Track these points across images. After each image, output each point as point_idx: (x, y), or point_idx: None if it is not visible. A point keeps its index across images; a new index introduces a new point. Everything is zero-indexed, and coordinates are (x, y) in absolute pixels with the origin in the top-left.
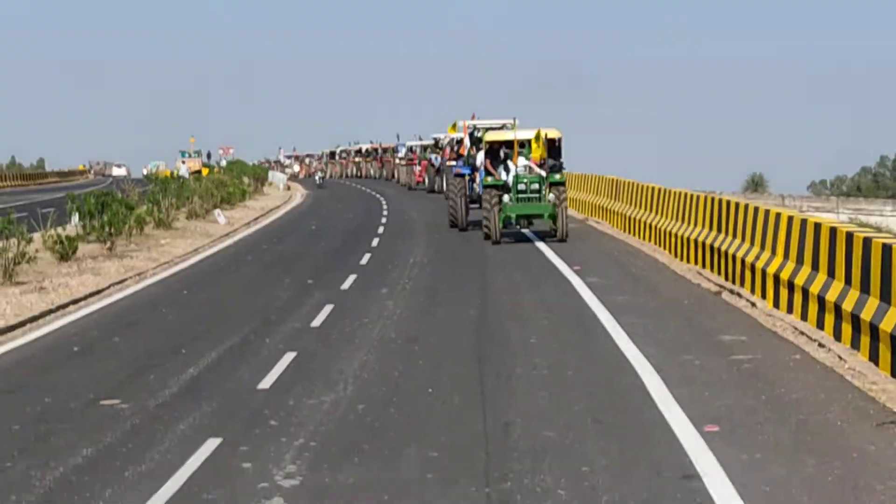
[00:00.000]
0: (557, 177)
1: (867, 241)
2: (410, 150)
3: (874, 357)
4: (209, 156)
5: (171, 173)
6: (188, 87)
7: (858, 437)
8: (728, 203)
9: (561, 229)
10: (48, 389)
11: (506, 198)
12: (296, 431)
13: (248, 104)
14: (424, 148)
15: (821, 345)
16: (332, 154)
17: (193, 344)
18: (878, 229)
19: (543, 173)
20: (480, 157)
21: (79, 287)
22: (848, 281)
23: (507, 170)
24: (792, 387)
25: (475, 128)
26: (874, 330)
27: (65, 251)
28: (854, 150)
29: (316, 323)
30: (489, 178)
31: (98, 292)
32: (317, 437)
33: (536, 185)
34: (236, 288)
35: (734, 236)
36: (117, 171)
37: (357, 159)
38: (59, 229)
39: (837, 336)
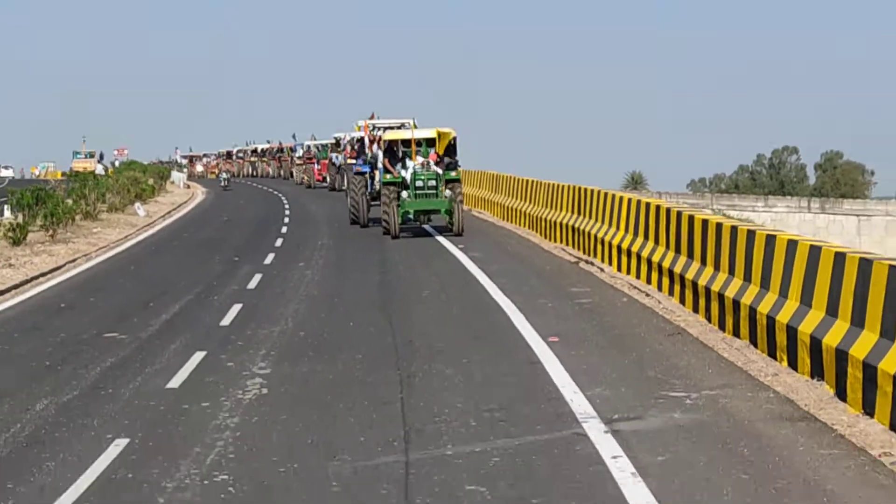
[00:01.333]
0: (453, 174)
1: (679, 214)
2: (307, 149)
3: (682, 299)
4: (102, 156)
5: (65, 173)
6: (76, 88)
7: (652, 341)
8: (585, 190)
9: (457, 224)
10: (59, 329)
11: (404, 194)
12: (258, 346)
13: (140, 105)
14: (325, 147)
15: (647, 294)
16: (229, 154)
17: (157, 300)
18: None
19: (440, 171)
20: (380, 156)
21: (41, 264)
22: (667, 245)
23: (405, 167)
24: (615, 316)
25: (374, 127)
26: (681, 279)
27: (16, 237)
28: (733, 150)
29: (251, 286)
30: (388, 176)
31: (58, 268)
32: (274, 349)
33: (433, 182)
34: (174, 263)
35: (590, 217)
36: (5, 172)
37: (253, 159)
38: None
39: (660, 287)
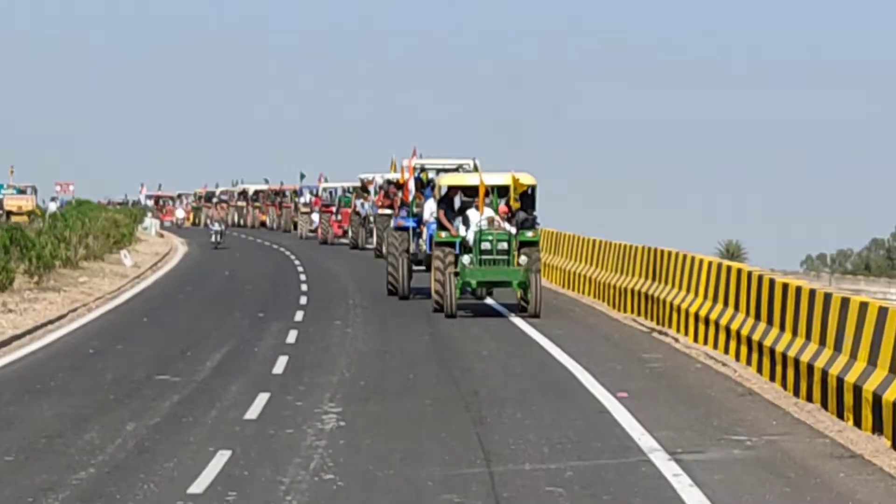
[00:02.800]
0: (530, 234)
1: (760, 278)
2: (323, 193)
3: (759, 367)
4: (35, 191)
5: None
6: None
7: (722, 399)
8: (660, 252)
9: (534, 301)
10: (104, 370)
11: (465, 259)
12: (322, 391)
13: (83, 127)
14: (347, 191)
15: (723, 364)
16: (210, 196)
17: (192, 350)
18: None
19: (513, 229)
20: (429, 207)
21: (44, 312)
22: (747, 311)
23: (466, 223)
24: (687, 378)
25: (422, 168)
26: (759, 346)
27: (1, 282)
28: (864, 219)
29: (290, 340)
30: (443, 234)
31: (62, 316)
32: (339, 393)
33: (505, 245)
34: (192, 317)
35: (664, 283)
36: None
37: (241, 203)
38: None
39: (738, 357)
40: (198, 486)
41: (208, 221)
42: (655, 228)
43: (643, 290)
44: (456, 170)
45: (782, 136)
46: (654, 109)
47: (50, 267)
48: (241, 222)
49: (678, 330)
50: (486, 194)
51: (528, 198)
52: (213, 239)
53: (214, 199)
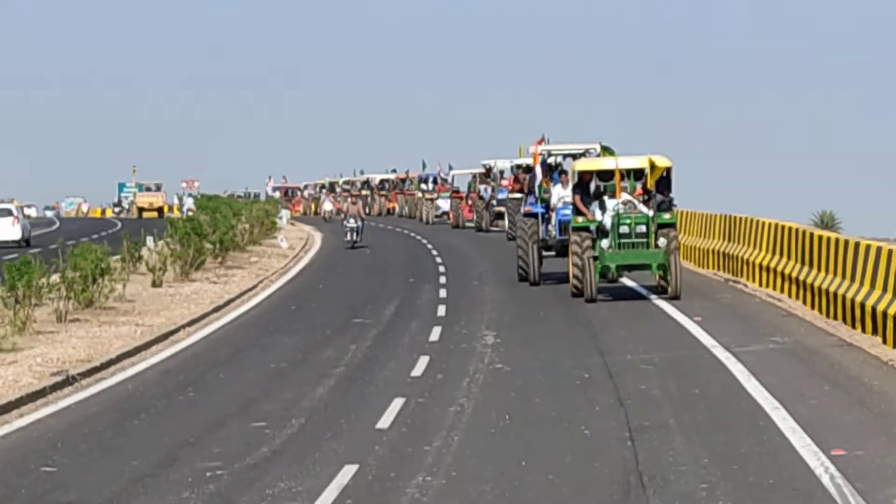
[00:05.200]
0: (667, 216)
1: (804, 233)
2: (436, 180)
3: (804, 300)
4: (158, 188)
5: (117, 209)
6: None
7: (770, 317)
8: (734, 218)
9: (674, 282)
10: (314, 315)
11: (604, 243)
12: (478, 324)
13: (188, 125)
14: (474, 176)
15: (778, 300)
16: (332, 186)
17: (371, 303)
18: None
19: (650, 212)
20: (557, 192)
21: (241, 282)
22: (795, 258)
23: (602, 207)
24: (747, 308)
25: (548, 153)
26: (803, 283)
27: (195, 262)
28: None
29: (442, 295)
30: (580, 219)
31: (254, 287)
32: (490, 325)
33: (643, 227)
34: (358, 283)
35: (738, 242)
36: (46, 213)
37: (365, 192)
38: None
39: (789, 294)
40: (416, 371)
41: (342, 217)
42: (757, 198)
43: (720, 249)
44: (583, 154)
45: (880, 107)
46: (751, 83)
47: (229, 249)
48: (368, 211)
49: (748, 278)
50: (622, 178)
51: (664, 180)
52: (348, 238)
53: (338, 189)
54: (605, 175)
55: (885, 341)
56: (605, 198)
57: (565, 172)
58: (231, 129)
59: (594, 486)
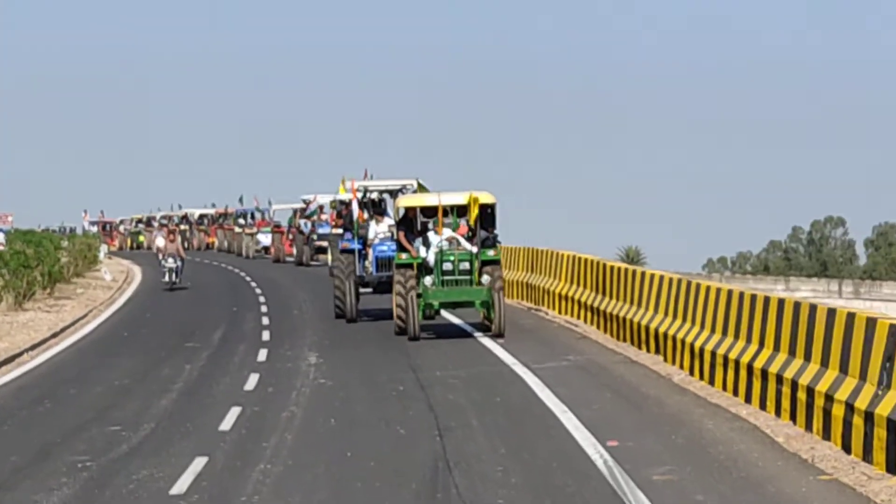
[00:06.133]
0: (491, 253)
1: (597, 263)
2: (254, 215)
3: (597, 324)
4: None
5: None
6: None
7: (566, 340)
8: (537, 251)
9: (498, 321)
10: (147, 340)
11: (427, 280)
12: (301, 346)
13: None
14: (295, 212)
15: (574, 325)
16: (149, 220)
17: (199, 329)
18: None
19: (474, 249)
20: (373, 228)
21: (73, 311)
22: (593, 288)
23: (426, 244)
24: (545, 332)
25: (366, 189)
26: (592, 308)
27: (27, 294)
28: (763, 222)
29: (265, 322)
30: (403, 255)
31: (86, 315)
32: (312, 344)
33: (467, 264)
34: (183, 310)
35: (539, 273)
36: None
37: (183, 227)
38: None
39: (585, 320)
40: (248, 386)
41: (159, 255)
42: (565, 234)
43: (523, 280)
44: (400, 190)
45: (683, 141)
46: (568, 115)
47: (57, 280)
48: (187, 246)
49: (548, 306)
50: (445, 214)
51: (488, 216)
52: (166, 278)
53: (155, 223)
54: (429, 211)
55: (665, 359)
56: (429, 234)
57: (380, 209)
58: (42, 161)
59: (409, 469)
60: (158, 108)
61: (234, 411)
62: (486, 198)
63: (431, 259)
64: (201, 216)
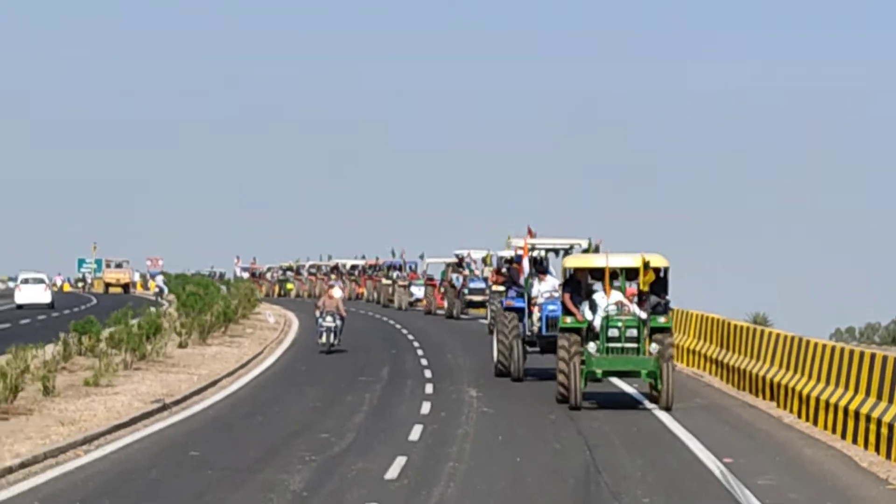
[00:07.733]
0: (662, 320)
1: (739, 328)
2: (409, 268)
3: (722, 377)
4: (120, 265)
5: (77, 285)
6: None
7: (693, 387)
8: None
9: (666, 393)
10: (327, 372)
11: (591, 346)
12: (460, 379)
13: (155, 206)
14: (447, 266)
15: (701, 375)
16: (298, 269)
17: (367, 367)
18: None
19: (643, 314)
20: (536, 287)
21: (249, 349)
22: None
23: (592, 307)
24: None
25: (533, 247)
26: (725, 365)
27: (206, 330)
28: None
29: (425, 363)
30: (568, 319)
31: (261, 352)
32: (470, 380)
33: (634, 332)
34: (349, 350)
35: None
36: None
37: (332, 277)
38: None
39: (711, 373)
40: (424, 410)
41: (317, 313)
42: (701, 293)
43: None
44: (568, 250)
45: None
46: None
47: (230, 320)
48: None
49: (676, 360)
50: (615, 277)
51: (660, 281)
52: (323, 339)
53: (304, 273)
54: (596, 273)
55: (778, 404)
56: (596, 296)
57: (542, 267)
58: (192, 207)
59: (567, 470)
60: (305, 159)
61: (418, 428)
62: (658, 261)
63: (598, 323)
64: (353, 266)
